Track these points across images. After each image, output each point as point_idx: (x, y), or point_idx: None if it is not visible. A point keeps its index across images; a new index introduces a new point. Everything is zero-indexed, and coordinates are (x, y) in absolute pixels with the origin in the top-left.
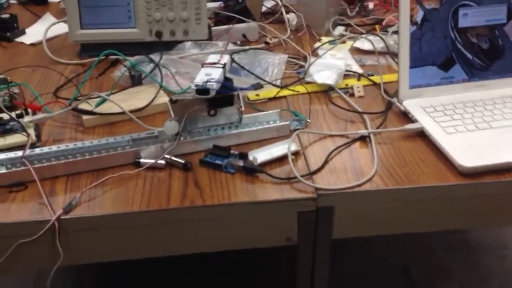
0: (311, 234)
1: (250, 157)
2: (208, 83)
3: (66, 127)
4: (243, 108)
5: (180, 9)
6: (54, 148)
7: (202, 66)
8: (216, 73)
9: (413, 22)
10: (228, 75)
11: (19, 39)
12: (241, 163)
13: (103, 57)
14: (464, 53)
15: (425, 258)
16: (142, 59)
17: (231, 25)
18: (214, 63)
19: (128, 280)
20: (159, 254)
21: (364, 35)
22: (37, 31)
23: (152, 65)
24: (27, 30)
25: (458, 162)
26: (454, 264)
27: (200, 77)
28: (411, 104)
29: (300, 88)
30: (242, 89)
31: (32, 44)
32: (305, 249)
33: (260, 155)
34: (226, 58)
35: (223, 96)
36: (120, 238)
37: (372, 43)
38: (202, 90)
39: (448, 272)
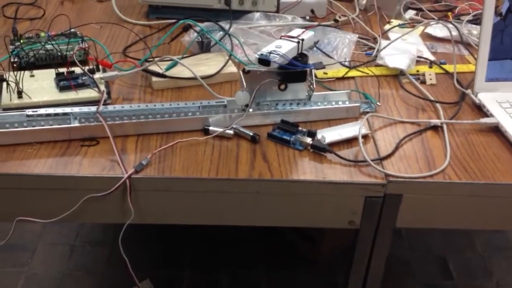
0: (374, 220)
1: (319, 136)
2: (271, 55)
3: (135, 87)
4: (314, 86)
5: None
6: (126, 107)
7: (280, 38)
8: (287, 47)
9: (497, 13)
10: None
11: None
12: (309, 140)
13: (174, 21)
14: None
15: (466, 254)
16: (212, 26)
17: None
18: (292, 37)
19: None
20: (223, 222)
21: (435, 21)
22: None
23: (221, 33)
24: None
25: None
26: (493, 263)
27: (269, 47)
28: (487, 97)
29: (368, 70)
30: (304, 66)
31: (100, 1)
32: (366, 235)
33: (328, 135)
34: (308, 34)
35: (295, 72)
36: (188, 203)
37: (450, 30)
38: (263, 60)
39: (487, 271)
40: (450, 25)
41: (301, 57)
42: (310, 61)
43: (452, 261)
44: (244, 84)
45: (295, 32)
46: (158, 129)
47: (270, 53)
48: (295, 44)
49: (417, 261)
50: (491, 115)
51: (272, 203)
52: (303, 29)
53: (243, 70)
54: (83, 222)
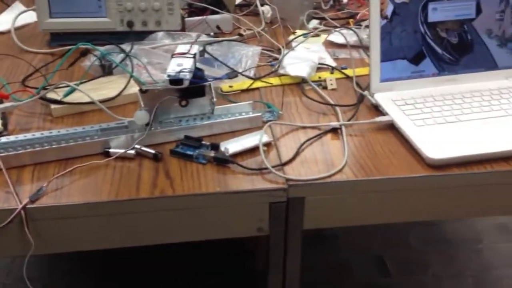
0: (282, 224)
1: (222, 148)
2: (181, 73)
3: (34, 116)
4: (215, 99)
5: None
6: (20, 137)
7: (172, 57)
8: (188, 63)
9: (383, 16)
10: (201, 66)
11: None
12: (212, 153)
13: (76, 47)
14: (433, 47)
15: (401, 250)
16: (113, 49)
17: (204, 16)
18: (184, 53)
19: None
20: (129, 244)
21: (337, 29)
22: (6, 20)
23: (123, 55)
24: None
25: (426, 154)
26: (429, 257)
27: (172, 67)
28: (382, 97)
29: (274, 80)
30: (216, 78)
31: (1, 33)
32: (276, 240)
33: (231, 146)
34: (195, 48)
35: (194, 87)
36: (89, 228)
37: (345, 37)
38: (175, 80)
39: (423, 265)
40: (347, 31)
41: (199, 71)
42: (217, 75)
43: (389, 258)
44: (142, 103)
45: (183, 48)
46: (56, 156)
47: (180, 72)
48: (192, 59)
49: (356, 261)
50: (386, 114)
51: (179, 218)
52: (189, 45)
53: (140, 90)
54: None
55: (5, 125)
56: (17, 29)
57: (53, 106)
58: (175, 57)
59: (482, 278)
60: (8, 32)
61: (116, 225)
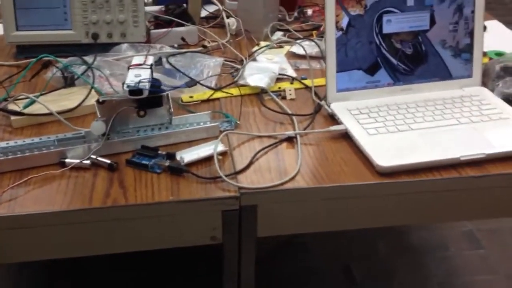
0: (235, 232)
1: (178, 157)
2: (141, 83)
3: None
4: (172, 109)
5: (117, 12)
6: None
7: (129, 68)
8: (146, 74)
9: (338, 28)
10: (162, 77)
11: None
12: (167, 163)
13: (38, 59)
14: (388, 58)
15: (368, 258)
16: (76, 60)
17: (169, 28)
18: (140, 64)
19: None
20: (82, 253)
21: (299, 41)
22: None
23: (85, 66)
24: None
25: (376, 161)
26: (396, 265)
27: (131, 78)
28: (338, 106)
29: (235, 91)
30: (175, 87)
31: None
32: (230, 248)
33: (187, 155)
34: (151, 59)
35: (151, 97)
36: (43, 238)
37: (303, 48)
38: (135, 91)
39: (390, 273)
40: (310, 43)
41: (156, 81)
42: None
43: (356, 266)
44: (99, 114)
45: (138, 59)
46: (11, 167)
47: (139, 82)
48: (149, 69)
49: (323, 269)
50: (341, 123)
51: (133, 228)
52: (144, 56)
53: (97, 101)
54: None
55: None
56: None
57: (13, 117)
58: (132, 68)
59: (449, 285)
60: None
61: (69, 235)
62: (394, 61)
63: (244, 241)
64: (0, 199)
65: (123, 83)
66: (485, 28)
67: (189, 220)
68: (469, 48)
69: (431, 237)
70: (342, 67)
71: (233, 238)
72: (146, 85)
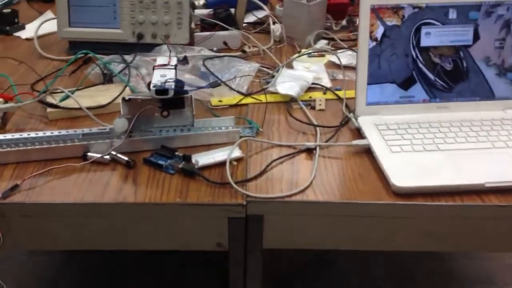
0: (241, 241)
1: (193, 160)
2: (167, 83)
3: (32, 118)
4: (194, 111)
5: (163, 13)
6: (8, 136)
7: (154, 69)
8: (171, 74)
9: (372, 38)
10: (197, 80)
11: (18, 34)
12: (181, 164)
13: (82, 56)
14: (425, 72)
15: (403, 282)
16: (116, 58)
17: (212, 32)
18: (165, 65)
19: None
20: (90, 247)
21: (340, 50)
22: (35, 27)
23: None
24: (27, 26)
25: (392, 180)
26: None
27: (157, 78)
28: (366, 120)
29: (263, 97)
30: (199, 87)
31: (27, 39)
32: (236, 257)
33: (202, 159)
34: (175, 60)
35: (174, 98)
36: (58, 227)
37: (339, 58)
38: (161, 91)
39: None
40: (352, 53)
41: (179, 83)
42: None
43: None
44: (122, 111)
45: (162, 60)
46: (38, 156)
47: (165, 82)
48: (174, 70)
49: None
50: (365, 137)
51: (138, 226)
52: (168, 57)
53: (123, 98)
54: None
55: (4, 124)
56: (43, 36)
57: (49, 109)
58: (157, 69)
59: None
60: (33, 38)
61: (78, 228)
62: (431, 76)
63: (250, 251)
64: (20, 187)
65: (149, 83)
66: None
67: (195, 224)
68: None
69: (474, 266)
70: (374, 79)
71: (239, 247)
72: (172, 85)
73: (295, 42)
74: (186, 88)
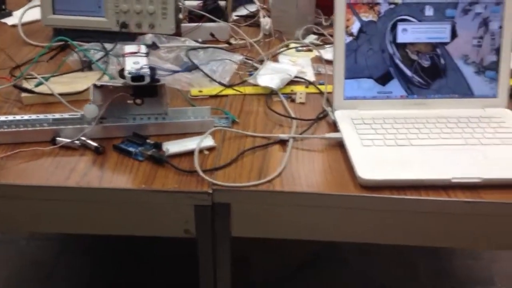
0: (208, 229)
1: (164, 148)
2: (142, 70)
3: (7, 102)
4: (168, 100)
5: (147, 2)
6: None
7: (124, 56)
8: (144, 61)
9: (348, 33)
10: (173, 67)
11: (4, 20)
12: (151, 152)
13: (62, 43)
14: (402, 69)
15: (405, 280)
16: (96, 46)
17: (200, 23)
18: (135, 53)
19: None
20: (54, 230)
21: (327, 46)
22: (20, 14)
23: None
24: (14, 13)
25: (358, 173)
26: None
27: (130, 66)
28: (343, 114)
29: (247, 89)
30: (175, 71)
31: (13, 26)
32: (204, 244)
33: (173, 147)
34: (144, 48)
35: (147, 86)
36: (24, 210)
37: (319, 52)
38: (137, 77)
39: None
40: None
41: (153, 70)
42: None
43: None
44: (92, 97)
45: (131, 48)
46: (6, 140)
47: (141, 69)
48: (146, 57)
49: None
50: (339, 131)
51: (102, 211)
52: (136, 45)
53: (95, 85)
54: None
55: None
56: (30, 23)
57: (23, 94)
58: (128, 56)
59: None
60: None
61: (41, 211)
62: (408, 72)
63: (218, 239)
64: None
65: (120, 70)
66: None
67: (161, 211)
68: (495, 66)
69: (477, 266)
70: (351, 74)
71: (206, 234)
72: (148, 72)
73: (284, 36)
74: (161, 73)
